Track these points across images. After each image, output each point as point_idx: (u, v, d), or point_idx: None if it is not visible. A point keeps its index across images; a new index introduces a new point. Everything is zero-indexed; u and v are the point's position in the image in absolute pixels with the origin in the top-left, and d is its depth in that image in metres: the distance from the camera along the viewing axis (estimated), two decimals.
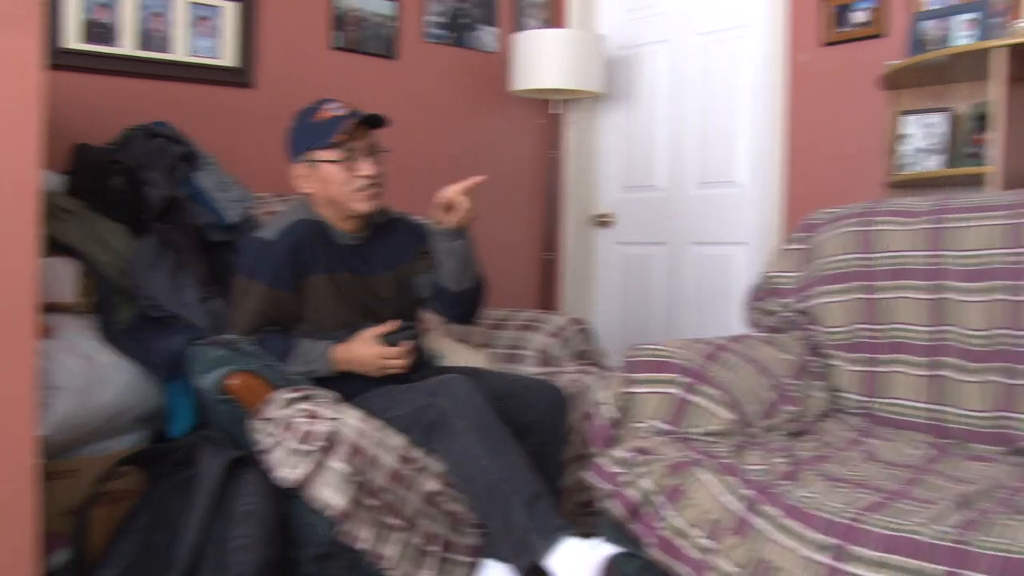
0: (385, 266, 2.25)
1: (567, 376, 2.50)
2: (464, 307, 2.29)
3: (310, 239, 2.15)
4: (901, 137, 3.05)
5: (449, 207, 2.11)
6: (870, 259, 2.14)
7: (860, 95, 3.26)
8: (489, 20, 3.88)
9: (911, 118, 3.04)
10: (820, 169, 3.37)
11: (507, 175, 3.94)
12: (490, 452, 1.88)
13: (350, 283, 2.19)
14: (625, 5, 4.02)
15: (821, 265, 2.22)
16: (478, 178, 2.12)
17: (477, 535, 1.94)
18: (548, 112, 4.01)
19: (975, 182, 2.73)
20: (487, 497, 1.87)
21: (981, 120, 2.82)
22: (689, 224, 3.82)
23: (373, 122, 2.17)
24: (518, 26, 3.92)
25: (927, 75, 2.98)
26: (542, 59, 3.60)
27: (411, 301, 2.30)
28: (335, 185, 2.12)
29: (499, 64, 3.88)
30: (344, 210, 2.16)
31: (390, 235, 2.29)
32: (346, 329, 2.12)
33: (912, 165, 2.99)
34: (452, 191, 2.11)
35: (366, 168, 2.12)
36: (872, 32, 3.24)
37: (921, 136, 3.00)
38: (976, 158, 2.82)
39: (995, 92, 2.65)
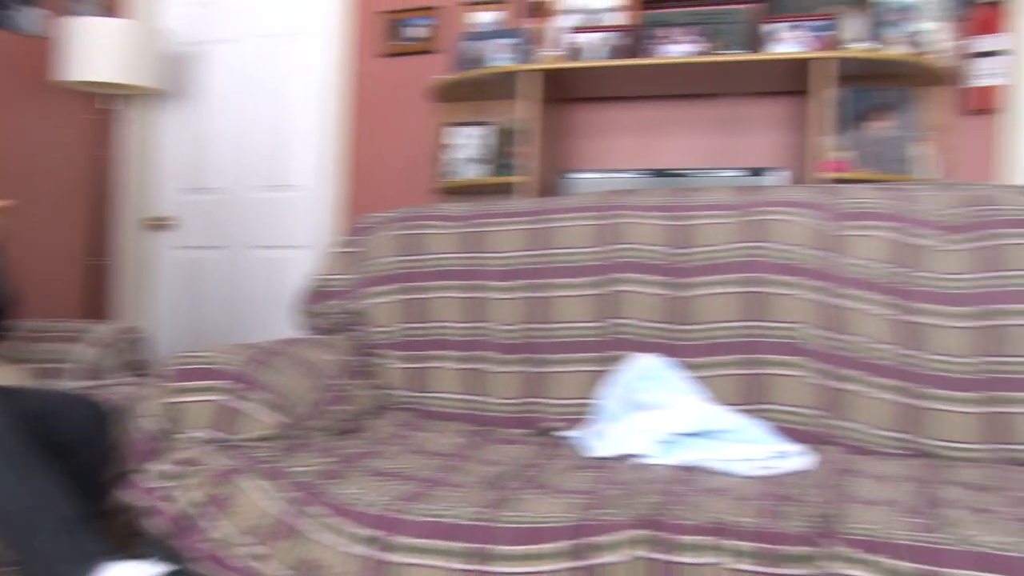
0: None
1: (116, 389, 2.32)
2: None
3: None
4: (447, 147, 3.25)
5: None
6: (415, 261, 2.24)
7: (415, 106, 3.42)
8: (32, 0, 3.49)
9: (456, 130, 3.26)
10: (377, 175, 3.48)
11: (49, 174, 3.57)
12: (18, 479, 1.68)
13: None
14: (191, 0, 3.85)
15: (370, 267, 2.28)
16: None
17: (14, 573, 1.72)
18: (97, 107, 3.71)
19: (511, 190, 2.99)
20: (18, 528, 1.67)
21: (516, 134, 3.10)
22: (250, 228, 3.74)
23: None
24: (68, 10, 3.57)
25: (470, 91, 3.22)
26: (94, 49, 3.31)
27: None
28: None
29: (43, 50, 3.51)
30: None
31: None
32: None
33: (457, 173, 3.20)
34: None
35: None
36: (427, 48, 3.42)
37: (465, 146, 3.22)
38: (510, 168, 3.09)
39: (525, 111, 2.93)
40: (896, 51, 2.70)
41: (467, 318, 2.17)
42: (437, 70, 3.33)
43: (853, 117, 2.81)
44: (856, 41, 2.76)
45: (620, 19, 3.12)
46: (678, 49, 2.91)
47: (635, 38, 3.04)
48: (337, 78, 3.55)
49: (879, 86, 2.85)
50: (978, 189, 2.03)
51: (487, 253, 2.19)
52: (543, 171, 3.01)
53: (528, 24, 3.24)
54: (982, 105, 2.84)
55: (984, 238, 1.92)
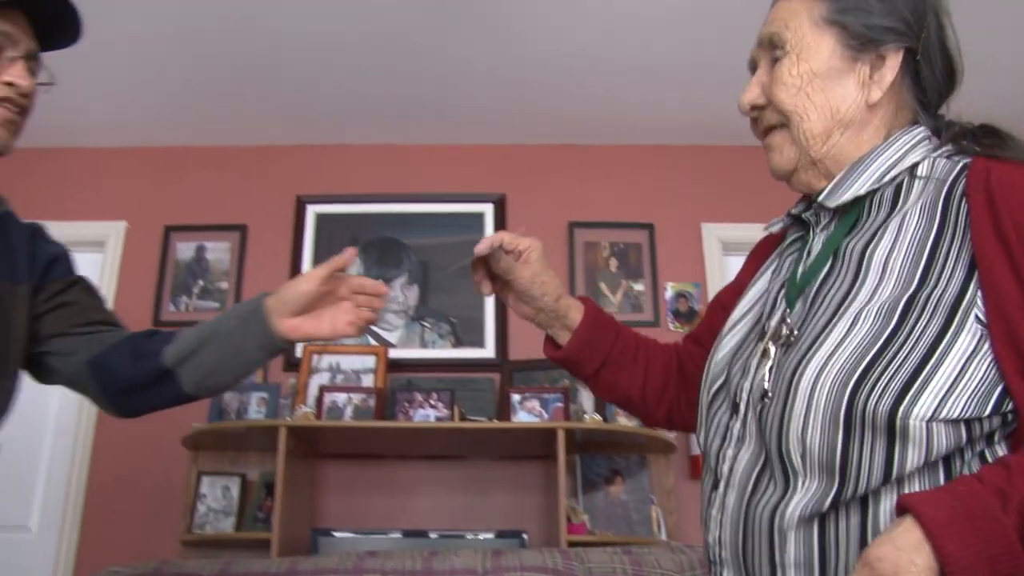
0: None
1: None
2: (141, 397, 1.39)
3: None
4: (199, 496, 3.15)
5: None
6: None
7: (168, 451, 3.28)
8: None
9: (209, 479, 3.18)
10: (118, 521, 3.27)
11: None
12: None
13: None
14: None
15: None
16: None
17: None
18: None
19: (263, 545, 2.90)
20: None
21: (269, 487, 3.07)
22: None
23: (52, 21, 1.32)
24: None
25: (226, 440, 3.19)
26: None
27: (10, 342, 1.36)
28: None
29: None
30: None
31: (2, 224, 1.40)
32: None
33: (208, 525, 3.09)
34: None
35: (19, 74, 1.28)
36: None
37: (216, 497, 3.14)
38: (266, 522, 3.03)
39: (277, 464, 2.91)
40: (625, 423, 3.02)
41: None
42: (191, 416, 3.28)
43: (590, 482, 3.06)
44: (588, 412, 3.07)
45: (372, 381, 3.28)
46: (426, 413, 3.10)
47: (386, 400, 3.20)
48: (80, 410, 3.42)
49: (611, 453, 3.14)
50: (700, 551, 2.23)
51: None
52: (295, 527, 2.97)
53: (285, 378, 3.34)
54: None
55: None
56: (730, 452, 1.03)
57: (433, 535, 2.99)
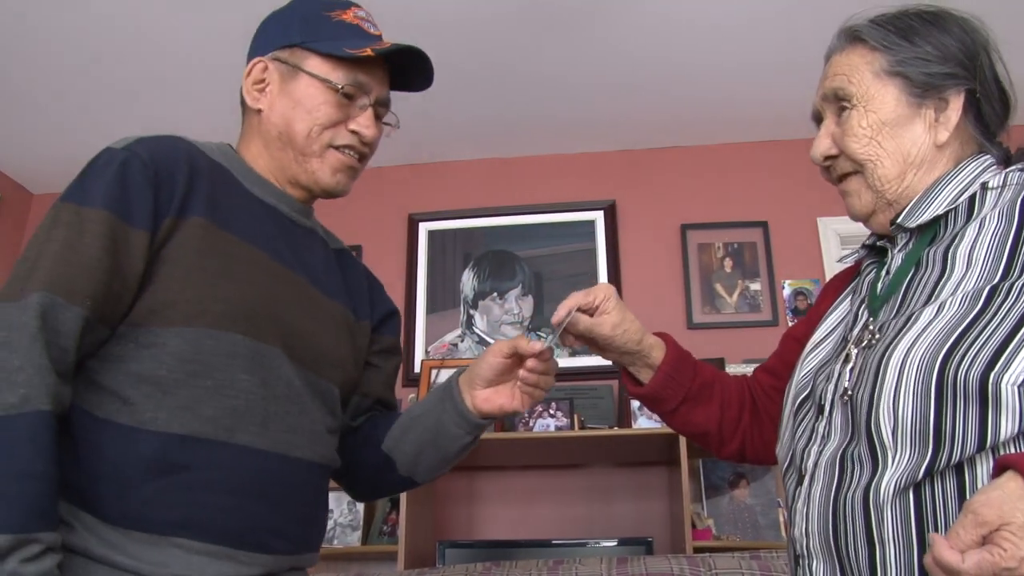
0: (332, 288, 1.36)
1: None
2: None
3: (222, 182, 1.23)
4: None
5: None
6: None
7: None
8: None
9: (335, 495, 3.26)
10: None
11: None
12: None
13: (274, 270, 1.23)
14: None
15: None
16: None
17: None
18: None
19: (390, 557, 2.97)
20: None
21: (394, 501, 3.13)
22: None
23: (407, 66, 1.36)
24: None
25: None
26: None
27: (357, 371, 1.41)
28: (306, 115, 1.27)
29: None
30: (293, 167, 1.30)
31: (340, 257, 1.44)
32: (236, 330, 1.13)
33: (336, 539, 3.17)
34: None
35: (364, 123, 1.30)
36: None
37: (343, 511, 3.22)
38: (391, 535, 3.09)
39: None
40: None
41: None
42: None
43: (714, 486, 3.01)
44: None
45: None
46: (545, 423, 3.11)
47: None
48: None
49: None
50: None
51: None
52: (420, 539, 3.02)
53: (405, 393, 3.40)
54: None
55: None
56: (815, 449, 1.07)
57: (557, 544, 2.99)
